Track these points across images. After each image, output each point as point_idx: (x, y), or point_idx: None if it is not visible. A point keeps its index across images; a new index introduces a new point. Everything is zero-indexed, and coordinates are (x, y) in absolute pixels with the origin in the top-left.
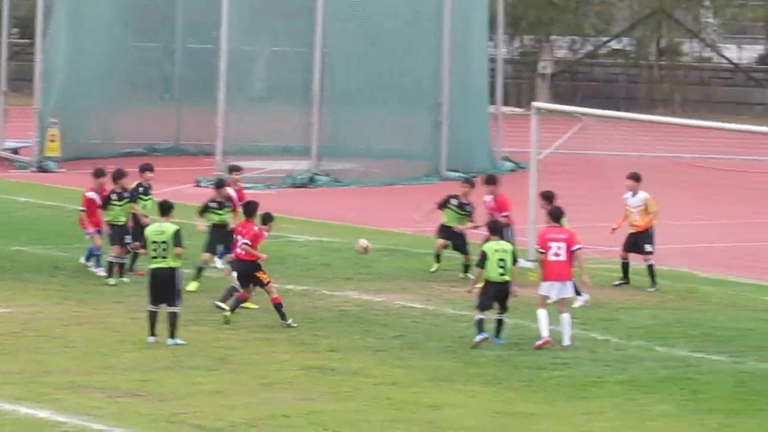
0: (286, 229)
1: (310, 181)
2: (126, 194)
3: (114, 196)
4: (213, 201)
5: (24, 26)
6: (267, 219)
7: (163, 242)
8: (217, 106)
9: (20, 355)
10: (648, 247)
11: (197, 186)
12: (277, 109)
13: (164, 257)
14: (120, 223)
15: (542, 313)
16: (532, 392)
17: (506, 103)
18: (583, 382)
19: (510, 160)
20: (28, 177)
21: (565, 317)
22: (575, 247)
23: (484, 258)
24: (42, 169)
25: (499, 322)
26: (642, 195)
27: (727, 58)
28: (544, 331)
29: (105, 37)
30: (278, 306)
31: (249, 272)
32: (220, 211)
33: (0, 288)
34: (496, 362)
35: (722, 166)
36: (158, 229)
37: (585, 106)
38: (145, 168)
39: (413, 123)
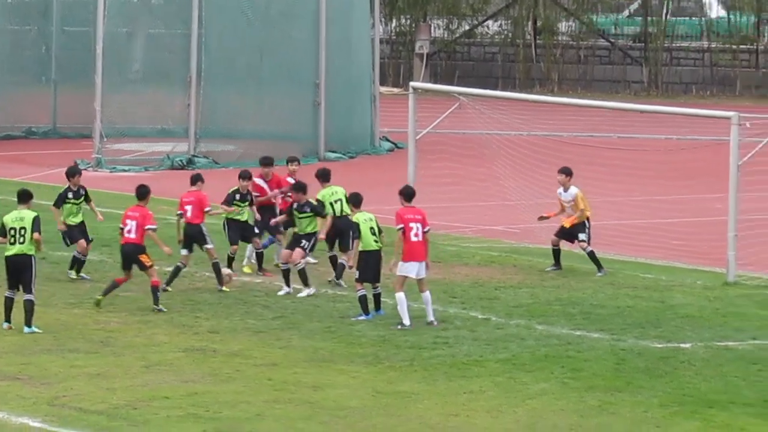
0: (164, 211)
1: (189, 163)
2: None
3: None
4: (237, 193)
5: None
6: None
7: (22, 228)
8: (95, 88)
9: None
10: (581, 236)
11: None
12: (155, 91)
13: (21, 243)
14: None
15: (403, 297)
16: (414, 372)
17: (384, 83)
18: (465, 361)
19: (388, 140)
20: None
21: (427, 295)
22: (427, 228)
23: (357, 229)
24: None
25: (377, 296)
26: (573, 191)
27: (603, 37)
28: (406, 318)
29: None
30: (155, 289)
31: (133, 254)
32: (242, 204)
33: None
34: (377, 342)
35: (600, 144)
36: (17, 215)
37: (462, 86)
38: (244, 175)
39: (292, 103)
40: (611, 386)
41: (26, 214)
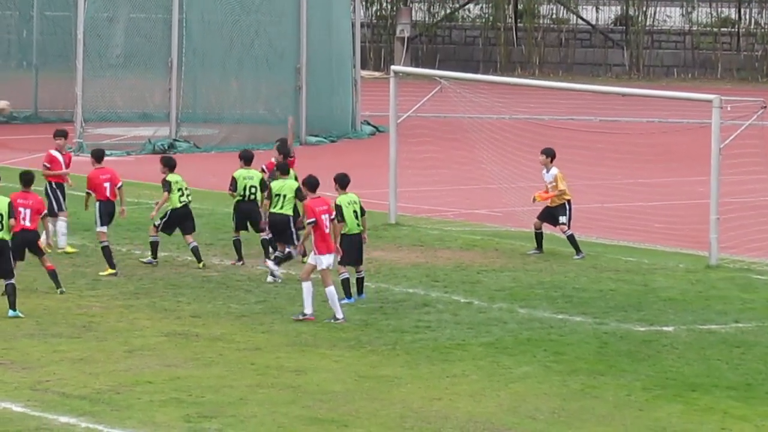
0: (145, 195)
1: (170, 147)
2: None
3: None
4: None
5: None
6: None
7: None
8: (76, 73)
9: None
10: (562, 219)
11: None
12: (136, 76)
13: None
14: None
15: (310, 287)
16: (396, 356)
17: (365, 66)
18: (447, 345)
19: (370, 124)
20: None
21: (331, 290)
22: (332, 216)
23: (341, 212)
24: None
25: (360, 279)
26: (553, 171)
27: (584, 20)
28: (309, 308)
29: None
30: (54, 273)
31: (33, 241)
32: None
33: None
34: (359, 326)
35: (581, 128)
36: None
37: (443, 69)
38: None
39: (273, 88)
40: (594, 370)
41: (2, 201)
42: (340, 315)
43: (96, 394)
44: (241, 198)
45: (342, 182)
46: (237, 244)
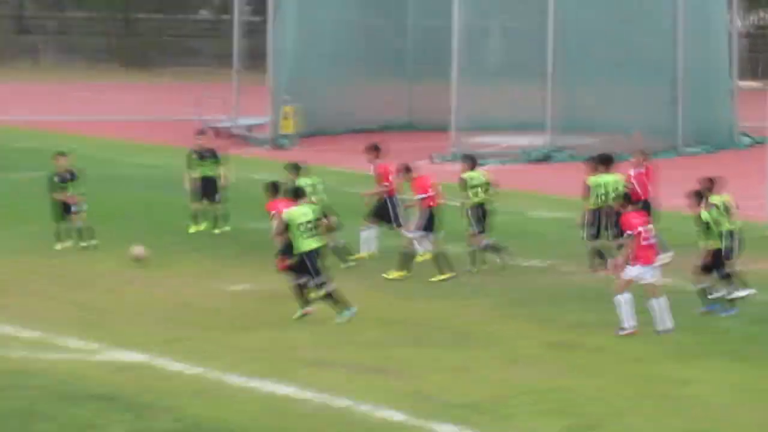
0: (522, 205)
1: (547, 157)
2: None
3: None
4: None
5: (257, 3)
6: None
7: (312, 221)
8: (451, 82)
9: (262, 332)
10: None
11: (431, 162)
12: (511, 84)
13: (316, 235)
14: None
15: (628, 299)
16: None
17: (743, 77)
18: None
19: (748, 135)
20: (263, 154)
21: (663, 301)
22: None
23: (709, 226)
24: (276, 147)
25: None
26: None
27: None
28: (630, 320)
29: (337, 13)
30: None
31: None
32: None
33: (241, 264)
34: (741, 339)
35: None
36: (305, 210)
37: None
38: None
39: (650, 97)
40: None
41: (313, 209)
42: (666, 326)
43: (478, 404)
44: (594, 205)
45: (704, 194)
46: (595, 252)
